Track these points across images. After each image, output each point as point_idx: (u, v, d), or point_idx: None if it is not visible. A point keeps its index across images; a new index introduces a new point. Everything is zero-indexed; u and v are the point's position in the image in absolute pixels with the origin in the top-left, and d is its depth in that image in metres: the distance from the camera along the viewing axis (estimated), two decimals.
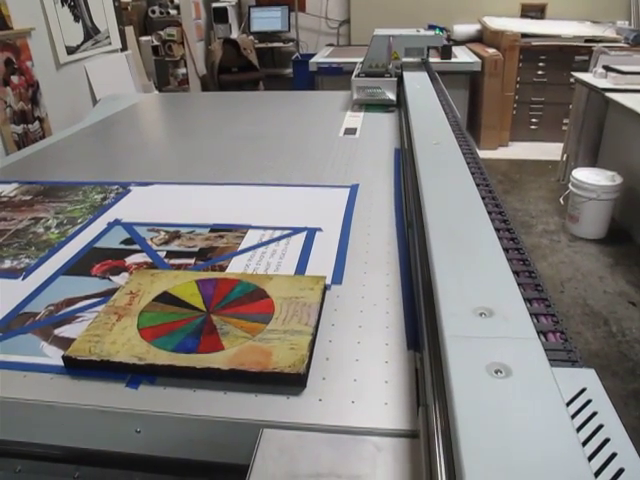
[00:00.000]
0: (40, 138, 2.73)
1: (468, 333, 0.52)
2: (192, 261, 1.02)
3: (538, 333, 0.58)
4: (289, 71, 5.52)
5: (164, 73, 5.49)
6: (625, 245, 3.05)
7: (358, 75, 2.18)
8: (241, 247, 1.06)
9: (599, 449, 0.45)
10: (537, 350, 0.49)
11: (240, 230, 1.13)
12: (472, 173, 1.05)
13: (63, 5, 3.07)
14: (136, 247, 1.08)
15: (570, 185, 3.17)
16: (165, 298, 0.84)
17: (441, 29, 4.83)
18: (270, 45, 5.63)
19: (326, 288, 0.89)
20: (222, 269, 0.98)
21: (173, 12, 5.38)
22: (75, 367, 0.72)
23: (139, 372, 0.70)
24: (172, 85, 5.47)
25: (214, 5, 5.34)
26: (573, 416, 0.48)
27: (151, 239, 1.11)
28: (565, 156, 3.96)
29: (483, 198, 0.90)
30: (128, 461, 0.67)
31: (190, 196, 1.36)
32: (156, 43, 5.30)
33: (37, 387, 0.70)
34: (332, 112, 2.22)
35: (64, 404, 0.67)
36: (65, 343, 0.76)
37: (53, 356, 0.75)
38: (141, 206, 1.30)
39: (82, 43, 3.28)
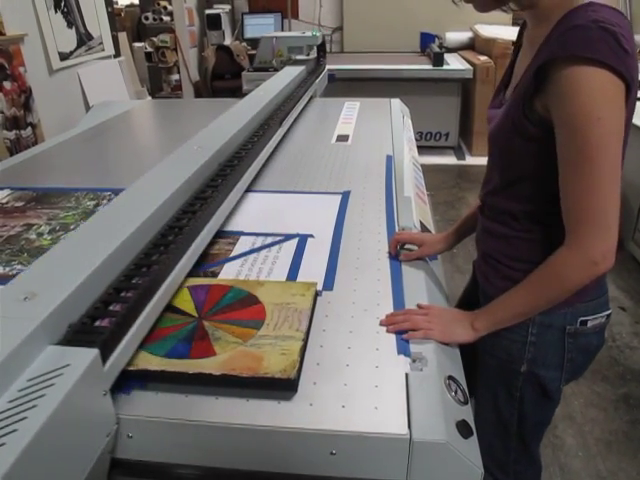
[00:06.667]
0: (33, 144, 2.72)
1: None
2: None
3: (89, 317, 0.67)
4: None
5: (157, 79, 5.48)
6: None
7: (248, 70, 2.58)
8: (233, 253, 1.06)
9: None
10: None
11: (232, 236, 1.14)
12: (225, 173, 1.19)
13: (56, 11, 3.07)
14: None
15: None
16: None
17: (433, 36, 4.88)
18: None
19: (317, 294, 0.89)
20: (214, 275, 0.98)
21: (166, 19, 5.38)
22: None
23: (131, 377, 0.70)
24: (165, 91, 5.46)
25: (207, 12, 5.35)
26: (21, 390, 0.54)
27: None
28: None
29: (206, 197, 1.05)
30: (120, 466, 0.67)
31: None
32: (149, 49, 5.29)
33: None
34: (324, 119, 2.23)
35: None
36: None
37: None
38: None
39: (75, 49, 3.28)
